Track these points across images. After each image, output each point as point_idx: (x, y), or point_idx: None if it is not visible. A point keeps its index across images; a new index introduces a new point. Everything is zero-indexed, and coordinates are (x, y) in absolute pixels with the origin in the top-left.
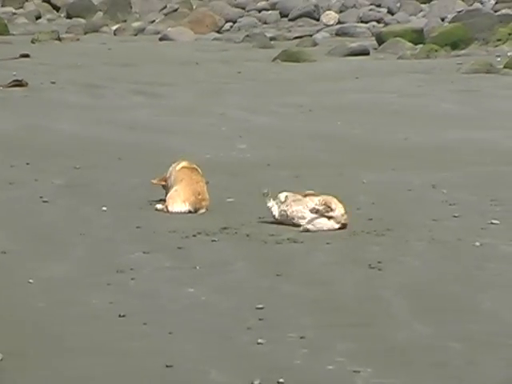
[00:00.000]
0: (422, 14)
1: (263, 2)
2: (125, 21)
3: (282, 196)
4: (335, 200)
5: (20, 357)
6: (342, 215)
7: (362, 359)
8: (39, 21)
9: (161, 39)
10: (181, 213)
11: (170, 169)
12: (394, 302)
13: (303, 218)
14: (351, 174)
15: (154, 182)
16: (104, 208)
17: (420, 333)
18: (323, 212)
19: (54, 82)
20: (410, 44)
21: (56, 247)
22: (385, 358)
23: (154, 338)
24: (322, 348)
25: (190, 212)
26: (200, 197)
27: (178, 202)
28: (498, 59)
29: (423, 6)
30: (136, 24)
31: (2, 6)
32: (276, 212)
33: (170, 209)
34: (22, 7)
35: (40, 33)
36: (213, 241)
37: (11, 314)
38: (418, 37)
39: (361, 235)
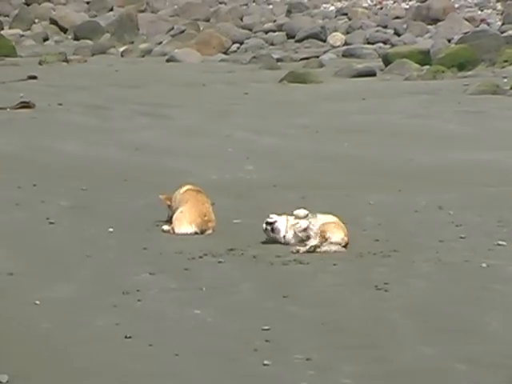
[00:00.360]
0: (428, 35)
1: (270, 24)
2: (132, 42)
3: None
4: (333, 225)
5: (25, 379)
6: (342, 239)
7: (367, 381)
8: (47, 42)
9: (168, 60)
10: (187, 234)
11: (176, 193)
12: (399, 324)
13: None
14: (357, 195)
15: (162, 197)
16: (110, 229)
17: (426, 355)
18: (319, 245)
19: (60, 104)
20: (417, 65)
21: (62, 269)
22: (390, 379)
23: (159, 359)
24: (328, 370)
25: (196, 233)
26: (206, 218)
27: (185, 223)
28: (505, 80)
29: (430, 27)
30: (143, 45)
31: (10, 28)
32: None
33: (177, 230)
34: (29, 29)
35: (47, 54)
36: (219, 262)
37: (17, 335)
38: (424, 58)
39: (367, 256)
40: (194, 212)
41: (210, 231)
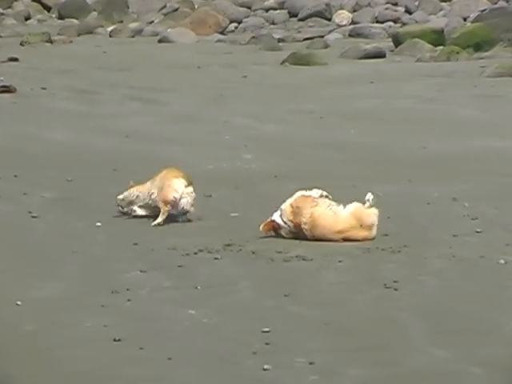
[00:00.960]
0: (442, 13)
1: (271, 1)
2: (121, 21)
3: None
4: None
5: (10, 383)
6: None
7: None
8: (29, 22)
9: (160, 41)
10: (181, 194)
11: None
12: (410, 325)
13: None
14: (365, 185)
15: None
16: (98, 223)
17: (438, 357)
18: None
19: (44, 88)
20: (430, 46)
21: (46, 266)
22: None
23: (151, 363)
24: (332, 374)
25: (186, 186)
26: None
27: (173, 181)
28: None
29: (443, 4)
30: (133, 25)
31: None
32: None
33: (170, 196)
34: (10, 7)
35: (30, 35)
36: (215, 258)
37: None
38: (437, 38)
39: (375, 252)
40: (173, 172)
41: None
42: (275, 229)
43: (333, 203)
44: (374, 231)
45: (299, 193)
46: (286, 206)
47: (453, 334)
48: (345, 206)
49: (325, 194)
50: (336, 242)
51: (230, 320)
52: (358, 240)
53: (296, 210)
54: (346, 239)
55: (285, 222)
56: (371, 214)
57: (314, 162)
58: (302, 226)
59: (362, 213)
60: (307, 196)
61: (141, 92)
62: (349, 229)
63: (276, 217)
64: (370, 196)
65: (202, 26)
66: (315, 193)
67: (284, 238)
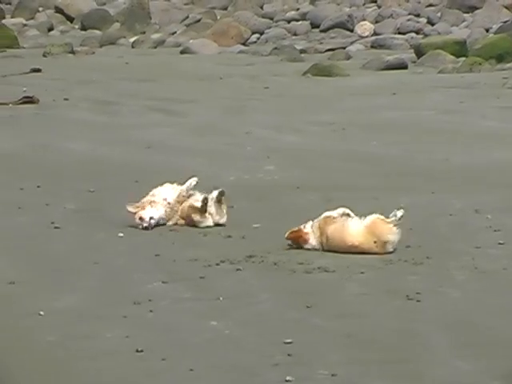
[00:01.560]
0: (464, 24)
1: (293, 12)
2: (143, 32)
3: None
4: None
5: None
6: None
7: None
8: (51, 33)
9: (182, 52)
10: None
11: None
12: (432, 337)
13: None
14: (387, 197)
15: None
16: (120, 234)
17: (460, 370)
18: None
19: (66, 99)
20: (452, 57)
21: (68, 277)
22: None
23: (173, 374)
24: None
25: None
26: None
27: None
28: None
29: (466, 15)
30: (155, 36)
31: (12, 16)
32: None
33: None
34: (33, 18)
35: (52, 45)
36: (237, 270)
37: (19, 348)
38: (460, 49)
39: (397, 264)
40: None
41: None
42: (301, 239)
43: (352, 218)
44: (389, 248)
45: (325, 214)
46: (315, 223)
47: (475, 346)
48: (365, 217)
49: (347, 211)
50: (354, 253)
51: (251, 332)
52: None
53: (321, 230)
54: (360, 252)
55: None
56: (389, 231)
57: (336, 174)
58: (322, 242)
59: (378, 227)
60: (329, 216)
61: (162, 103)
62: (361, 243)
63: (308, 228)
64: (399, 213)
65: (224, 37)
66: (336, 213)
67: (304, 249)
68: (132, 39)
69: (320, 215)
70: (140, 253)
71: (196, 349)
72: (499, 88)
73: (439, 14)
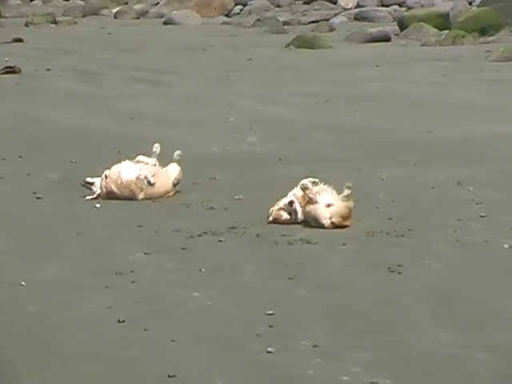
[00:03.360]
0: None
1: None
2: (126, 3)
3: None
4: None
5: (11, 365)
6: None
7: (379, 369)
8: (34, 2)
9: (165, 23)
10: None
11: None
12: (414, 309)
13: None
14: (369, 169)
15: None
16: (98, 205)
17: (442, 341)
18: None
19: (49, 69)
20: (435, 29)
21: (50, 247)
22: (404, 368)
23: (155, 345)
24: (336, 357)
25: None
26: None
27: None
28: None
29: None
30: (138, 6)
31: None
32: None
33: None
34: None
35: (34, 15)
36: (220, 241)
37: (3, 318)
38: (443, 22)
39: (379, 236)
40: None
41: None
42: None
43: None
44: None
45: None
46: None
47: (457, 318)
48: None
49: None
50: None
51: (233, 303)
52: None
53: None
54: None
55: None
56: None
57: (319, 146)
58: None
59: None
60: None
61: (145, 74)
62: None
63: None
64: (346, 191)
65: (207, 8)
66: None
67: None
68: (115, 10)
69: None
70: (122, 223)
71: (178, 319)
72: (482, 61)
73: None
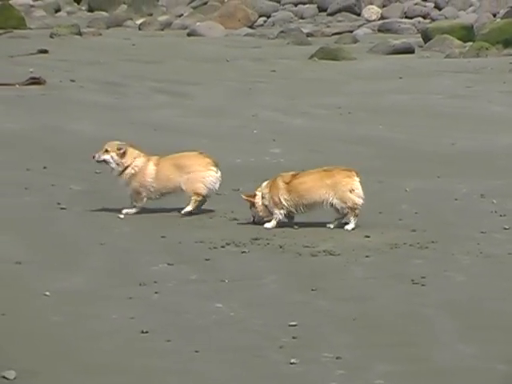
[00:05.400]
0: (471, 9)
1: None
2: (150, 14)
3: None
4: None
5: (34, 375)
6: None
7: (402, 381)
8: (59, 14)
9: (189, 34)
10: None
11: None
12: (437, 321)
13: None
14: (393, 181)
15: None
16: (121, 216)
17: (465, 353)
18: None
19: (73, 80)
20: (459, 41)
21: (74, 257)
22: (427, 380)
23: (178, 356)
24: (359, 369)
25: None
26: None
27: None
28: None
29: (473, 0)
30: (162, 18)
31: None
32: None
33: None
34: None
35: (59, 27)
36: (243, 252)
37: (26, 328)
38: (467, 34)
39: (403, 248)
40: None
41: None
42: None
43: None
44: None
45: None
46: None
47: (479, 330)
48: None
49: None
50: None
51: (256, 314)
52: None
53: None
54: None
55: None
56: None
57: (342, 157)
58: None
59: None
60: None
61: (169, 85)
62: None
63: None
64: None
65: (231, 19)
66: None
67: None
68: (139, 21)
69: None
70: (146, 234)
71: (201, 330)
72: (506, 73)
73: None
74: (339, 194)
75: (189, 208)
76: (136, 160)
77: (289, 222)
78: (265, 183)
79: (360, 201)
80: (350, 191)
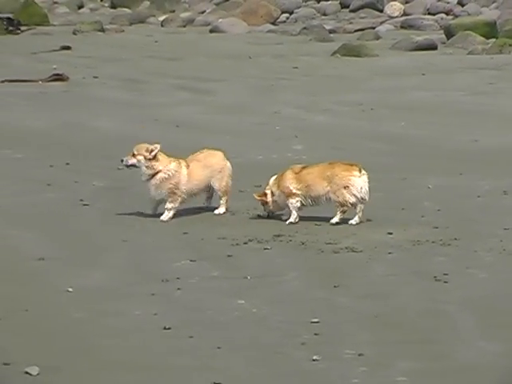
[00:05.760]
0: (494, 5)
1: None
2: (173, 11)
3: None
4: None
5: (57, 371)
6: None
7: (424, 379)
8: (81, 10)
9: (211, 31)
10: None
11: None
12: (459, 318)
13: None
14: (415, 178)
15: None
16: (149, 212)
17: (487, 351)
18: None
19: (96, 77)
20: (482, 38)
21: (96, 254)
22: (449, 377)
23: (200, 352)
24: (381, 366)
25: None
26: None
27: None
28: None
29: None
30: (185, 14)
31: None
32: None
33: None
34: None
35: (82, 23)
36: (265, 249)
37: (48, 324)
38: (490, 30)
39: (425, 245)
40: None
41: None
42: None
43: None
44: None
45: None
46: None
47: (502, 327)
48: None
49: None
50: None
51: (278, 310)
52: None
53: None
54: None
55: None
56: None
57: (364, 154)
58: None
59: None
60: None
61: (191, 82)
62: None
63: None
64: None
65: (254, 16)
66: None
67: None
68: (161, 18)
69: None
70: (168, 231)
71: (223, 327)
72: None
73: None
74: (333, 187)
75: (222, 209)
76: (169, 165)
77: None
78: (272, 180)
79: (352, 199)
80: (345, 187)
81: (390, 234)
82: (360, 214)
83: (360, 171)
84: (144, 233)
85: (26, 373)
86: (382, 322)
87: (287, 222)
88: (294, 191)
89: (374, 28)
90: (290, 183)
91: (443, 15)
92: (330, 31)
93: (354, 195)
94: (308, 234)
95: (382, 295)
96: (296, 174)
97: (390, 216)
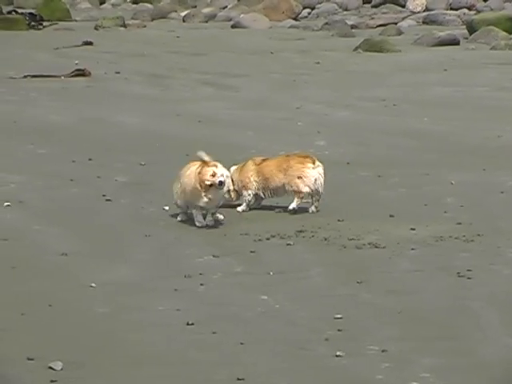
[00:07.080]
0: None
1: None
2: (195, 6)
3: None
4: None
5: (80, 366)
6: None
7: (448, 375)
8: (103, 6)
9: (233, 26)
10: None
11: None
12: (483, 314)
13: None
14: (438, 174)
15: None
16: (166, 207)
17: (511, 347)
18: None
19: (118, 72)
20: (504, 33)
21: (119, 249)
22: (473, 373)
23: (224, 348)
24: (404, 362)
25: None
26: None
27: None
28: None
29: None
30: (207, 10)
31: None
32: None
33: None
34: None
35: (104, 19)
36: (288, 245)
37: (72, 320)
38: None
39: (448, 241)
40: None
41: None
42: None
43: None
44: None
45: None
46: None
47: None
48: None
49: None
50: None
51: (302, 306)
52: None
53: None
54: None
55: None
56: None
57: (387, 150)
58: None
59: None
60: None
61: (213, 77)
62: None
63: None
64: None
65: (276, 11)
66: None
67: None
68: (183, 13)
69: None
70: (191, 226)
71: (246, 322)
72: None
73: None
74: (288, 178)
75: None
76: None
77: (256, 205)
78: (232, 169)
79: (306, 189)
80: (298, 177)
81: (413, 229)
82: (316, 204)
83: (314, 163)
84: (167, 228)
85: (50, 368)
86: (405, 318)
87: (238, 209)
88: (250, 184)
89: (396, 23)
90: (251, 175)
91: (466, 10)
92: (352, 26)
93: (308, 185)
94: (331, 230)
95: (405, 291)
96: (257, 165)
97: (413, 212)
